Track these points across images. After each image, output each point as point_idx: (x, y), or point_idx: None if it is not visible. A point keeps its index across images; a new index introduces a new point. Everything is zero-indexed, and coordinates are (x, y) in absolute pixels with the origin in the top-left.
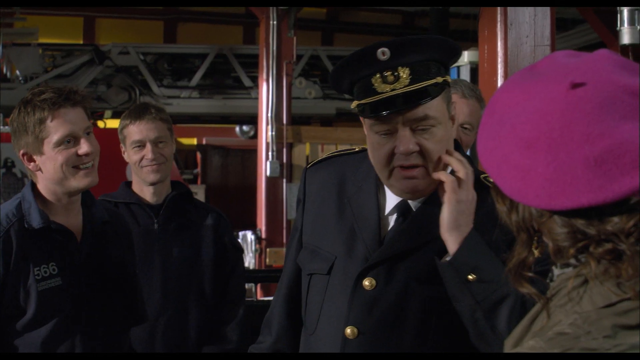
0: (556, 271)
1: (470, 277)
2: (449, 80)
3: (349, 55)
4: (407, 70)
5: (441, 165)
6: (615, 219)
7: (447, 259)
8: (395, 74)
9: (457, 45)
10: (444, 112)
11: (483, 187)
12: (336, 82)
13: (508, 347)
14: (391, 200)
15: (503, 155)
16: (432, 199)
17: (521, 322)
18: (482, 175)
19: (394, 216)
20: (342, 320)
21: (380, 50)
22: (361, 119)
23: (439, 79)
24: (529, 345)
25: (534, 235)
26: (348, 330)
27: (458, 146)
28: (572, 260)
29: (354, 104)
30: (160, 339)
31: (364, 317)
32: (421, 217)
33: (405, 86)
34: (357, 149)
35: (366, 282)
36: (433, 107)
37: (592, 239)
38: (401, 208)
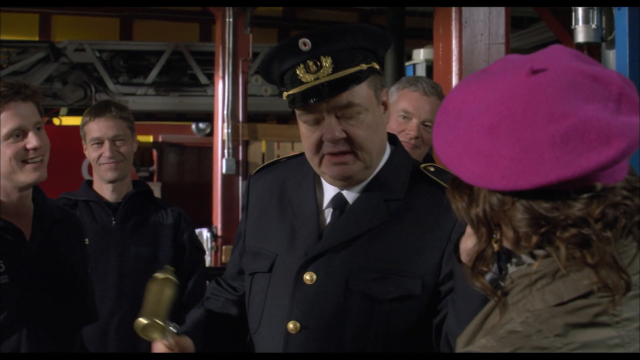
0: (511, 268)
1: None
2: (377, 67)
3: (274, 47)
4: (329, 59)
5: (374, 152)
6: (580, 204)
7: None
8: (318, 63)
9: (383, 32)
10: (371, 98)
11: (422, 178)
12: (267, 74)
13: (461, 345)
14: (328, 194)
15: (464, 145)
16: (368, 189)
17: (474, 319)
18: (422, 165)
19: (331, 210)
20: (285, 316)
21: (301, 40)
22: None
23: (364, 66)
24: (481, 344)
25: (494, 229)
26: (291, 325)
27: (395, 139)
28: (534, 254)
29: (284, 95)
30: (113, 338)
31: (306, 311)
32: (357, 209)
33: (328, 75)
34: (299, 152)
35: (307, 277)
36: (358, 94)
37: (557, 223)
38: (337, 201)
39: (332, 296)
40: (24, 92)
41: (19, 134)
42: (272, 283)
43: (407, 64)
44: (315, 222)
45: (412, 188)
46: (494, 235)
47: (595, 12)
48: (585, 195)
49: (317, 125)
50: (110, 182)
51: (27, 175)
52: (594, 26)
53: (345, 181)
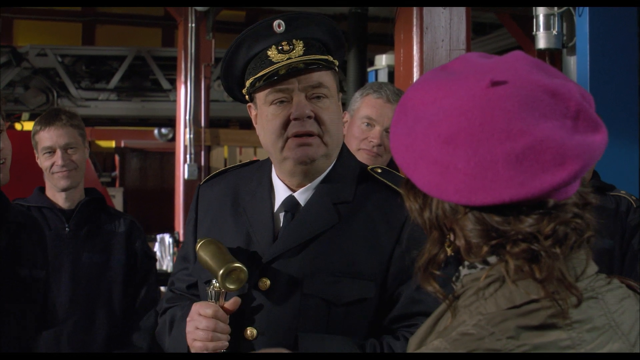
0: (463, 271)
1: None
2: (337, 64)
3: (242, 34)
4: (300, 43)
5: (335, 141)
6: (531, 220)
7: None
8: (291, 44)
9: (340, 33)
10: (334, 89)
11: (370, 179)
12: (229, 67)
13: (412, 347)
14: (280, 197)
15: (420, 151)
16: (318, 192)
17: (425, 321)
18: (369, 167)
19: (283, 214)
20: (242, 322)
21: (276, 22)
22: (250, 107)
23: (330, 58)
24: (434, 346)
25: (447, 234)
26: (248, 332)
27: (347, 150)
28: (486, 259)
29: (249, 81)
30: (65, 343)
31: (261, 318)
32: (308, 213)
33: (299, 56)
34: (248, 161)
35: (260, 283)
36: (326, 78)
37: (508, 237)
38: (288, 203)
39: (287, 302)
40: None
41: None
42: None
43: (369, 69)
44: (269, 227)
45: (360, 190)
46: (447, 240)
47: (556, 18)
48: (536, 212)
49: (285, 105)
50: (63, 190)
51: None
52: (554, 32)
53: (308, 165)
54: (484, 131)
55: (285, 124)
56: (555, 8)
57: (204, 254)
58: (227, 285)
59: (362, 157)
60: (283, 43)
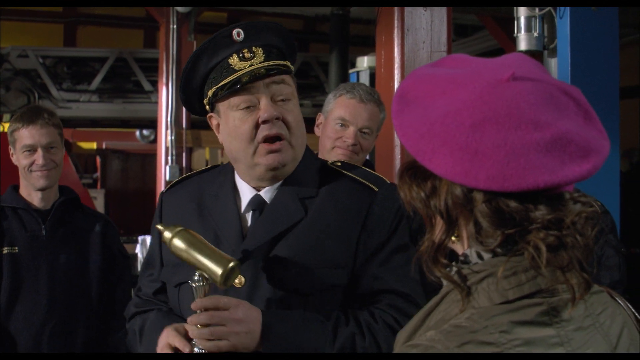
0: (454, 267)
1: None
2: (292, 69)
3: (201, 45)
4: (260, 50)
5: (300, 144)
6: (551, 209)
7: None
8: (252, 51)
9: (293, 39)
10: (295, 92)
11: (331, 173)
12: (189, 80)
13: (401, 340)
14: (246, 197)
15: (442, 139)
16: (283, 189)
17: (416, 315)
18: (329, 162)
19: (251, 212)
20: None
21: (235, 31)
22: (211, 117)
23: (287, 63)
24: (427, 337)
25: (455, 222)
26: None
27: (308, 148)
28: (481, 254)
29: (211, 91)
30: (46, 346)
31: None
32: (275, 209)
33: (261, 62)
34: (209, 166)
35: (236, 280)
36: (288, 82)
37: (529, 224)
38: (255, 202)
39: (263, 296)
40: None
41: None
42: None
43: (350, 71)
44: (237, 226)
45: (323, 184)
46: (455, 228)
47: (537, 20)
48: (556, 202)
49: (252, 110)
50: (42, 189)
51: None
52: (535, 34)
53: (277, 171)
54: (512, 121)
55: (255, 128)
56: (537, 10)
57: (189, 246)
58: (226, 282)
59: (336, 155)
60: (244, 50)
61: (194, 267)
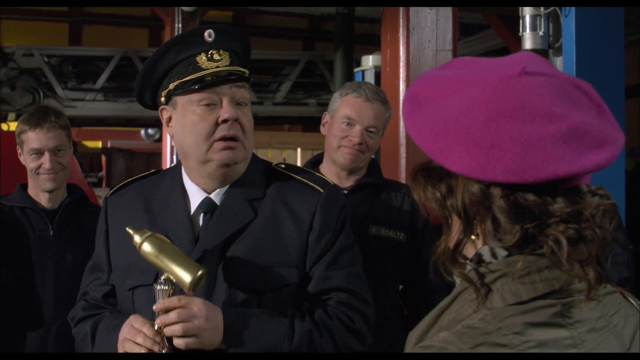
0: (468, 267)
1: None
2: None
3: (170, 39)
4: (226, 54)
5: (251, 147)
6: (569, 202)
7: None
8: (219, 54)
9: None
10: (249, 101)
11: (277, 175)
12: (151, 70)
13: (413, 340)
14: (195, 200)
15: (457, 135)
16: (232, 192)
17: (427, 315)
18: (274, 164)
19: (202, 214)
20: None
21: (207, 32)
22: (163, 110)
23: (247, 71)
24: (440, 338)
25: (473, 220)
26: None
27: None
28: (495, 253)
29: (173, 84)
30: (52, 345)
31: None
32: (225, 211)
33: (226, 66)
34: (152, 171)
35: None
36: (247, 89)
37: (548, 218)
38: (206, 205)
39: (219, 296)
40: None
41: None
42: (157, 297)
43: (356, 70)
44: (188, 229)
45: (270, 186)
46: (474, 226)
47: (542, 19)
48: (573, 195)
49: (213, 108)
50: (48, 191)
51: None
52: (541, 33)
53: (229, 168)
54: (526, 114)
55: (213, 126)
56: (542, 9)
57: (159, 252)
58: (194, 289)
59: (342, 154)
60: (213, 52)
61: (162, 271)
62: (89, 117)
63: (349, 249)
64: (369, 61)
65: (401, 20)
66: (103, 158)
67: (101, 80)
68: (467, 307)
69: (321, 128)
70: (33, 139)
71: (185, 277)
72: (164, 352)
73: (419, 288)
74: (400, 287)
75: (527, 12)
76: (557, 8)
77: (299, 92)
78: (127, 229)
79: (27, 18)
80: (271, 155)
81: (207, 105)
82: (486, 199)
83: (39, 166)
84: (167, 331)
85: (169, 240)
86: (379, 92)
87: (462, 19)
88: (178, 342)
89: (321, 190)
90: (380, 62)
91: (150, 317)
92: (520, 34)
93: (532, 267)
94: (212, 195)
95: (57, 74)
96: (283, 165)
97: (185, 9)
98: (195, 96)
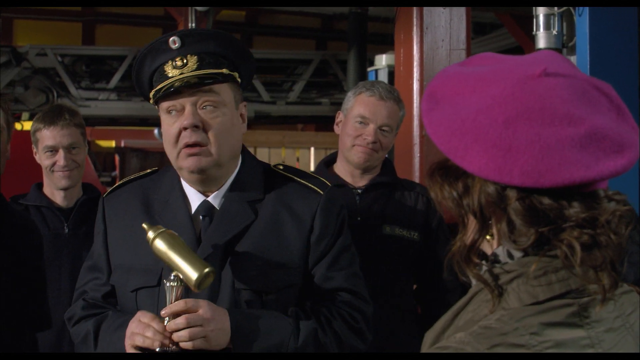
0: (484, 267)
1: None
2: (237, 78)
3: (143, 49)
4: (194, 58)
5: (225, 151)
6: (585, 207)
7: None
8: (184, 60)
9: (247, 51)
10: (230, 100)
11: (276, 176)
12: (138, 79)
13: (429, 341)
14: (194, 202)
15: (474, 135)
16: (230, 194)
17: (443, 316)
18: (272, 165)
19: (201, 218)
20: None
21: (172, 39)
22: (160, 112)
23: (225, 71)
24: (456, 339)
25: (488, 220)
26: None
27: (244, 149)
28: (511, 253)
29: (151, 93)
30: (67, 343)
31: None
32: (225, 214)
33: (192, 71)
34: (149, 171)
35: None
36: (218, 89)
37: (563, 222)
38: (204, 208)
39: (223, 297)
40: None
41: None
42: (162, 296)
43: (369, 69)
44: (190, 230)
45: (269, 187)
46: (489, 227)
47: (556, 18)
48: (590, 200)
49: (178, 115)
50: (63, 189)
51: None
52: (554, 32)
53: (201, 174)
54: (545, 116)
55: (178, 134)
56: (555, 8)
57: (170, 248)
58: (199, 287)
59: (356, 153)
60: (177, 59)
61: (170, 267)
62: (102, 117)
63: (347, 249)
64: (382, 60)
65: (415, 20)
66: (116, 157)
67: (114, 80)
68: (483, 307)
69: (335, 127)
70: (47, 136)
71: (192, 274)
72: (172, 348)
73: (432, 287)
74: (414, 286)
75: (541, 11)
76: (571, 8)
77: (312, 91)
78: (143, 225)
79: (41, 18)
80: (284, 155)
81: (171, 112)
82: (502, 200)
83: (54, 164)
84: (175, 337)
85: (180, 238)
86: (393, 91)
87: (476, 18)
88: (186, 345)
89: (321, 192)
90: (394, 61)
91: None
92: (533, 32)
93: (549, 267)
94: (210, 198)
95: (71, 74)
96: (281, 167)
97: (199, 8)
98: (164, 104)
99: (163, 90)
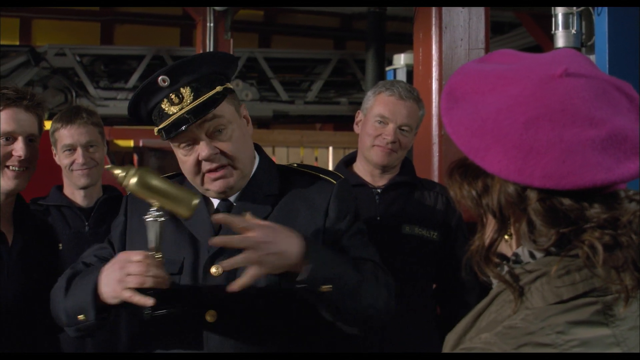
0: (505, 267)
1: (324, 288)
2: (230, 86)
3: (135, 92)
4: (188, 89)
5: (247, 161)
6: (606, 207)
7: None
8: (179, 95)
9: (230, 55)
10: (232, 113)
11: (291, 172)
12: (136, 116)
13: (450, 342)
14: (215, 201)
15: (495, 136)
16: (248, 190)
17: (465, 317)
18: (294, 165)
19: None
20: (201, 307)
21: (160, 78)
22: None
23: (219, 88)
24: (482, 340)
25: (508, 220)
26: (208, 316)
27: (259, 147)
28: (533, 253)
29: (155, 130)
30: (90, 342)
31: (220, 301)
32: (244, 205)
33: (190, 103)
34: (172, 174)
35: (213, 270)
36: (221, 110)
37: (584, 223)
38: (223, 207)
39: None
40: (28, 101)
41: (9, 137)
42: (182, 283)
43: (387, 69)
44: (208, 223)
45: (284, 182)
46: (509, 227)
47: (575, 17)
48: (610, 200)
49: (192, 147)
50: (83, 187)
51: (5, 181)
52: (573, 31)
53: (228, 193)
54: (566, 117)
55: (197, 164)
56: (574, 7)
57: (158, 182)
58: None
59: (376, 153)
60: (171, 96)
61: (157, 200)
62: (121, 116)
63: (363, 232)
64: (401, 60)
65: (433, 19)
66: (135, 157)
67: (133, 80)
68: (506, 308)
69: (354, 126)
70: (65, 135)
71: (190, 198)
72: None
73: (451, 287)
74: (434, 285)
75: (560, 10)
76: (590, 7)
77: (331, 90)
78: (106, 167)
79: (59, 17)
80: (303, 154)
81: (185, 147)
82: (522, 201)
83: (72, 162)
84: (226, 264)
85: (158, 174)
86: (412, 90)
87: (494, 18)
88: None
89: (334, 181)
90: (412, 61)
91: (168, 314)
92: (552, 32)
93: (572, 265)
94: (230, 198)
95: (89, 74)
96: (295, 165)
97: (217, 8)
98: (173, 141)
99: (174, 134)
